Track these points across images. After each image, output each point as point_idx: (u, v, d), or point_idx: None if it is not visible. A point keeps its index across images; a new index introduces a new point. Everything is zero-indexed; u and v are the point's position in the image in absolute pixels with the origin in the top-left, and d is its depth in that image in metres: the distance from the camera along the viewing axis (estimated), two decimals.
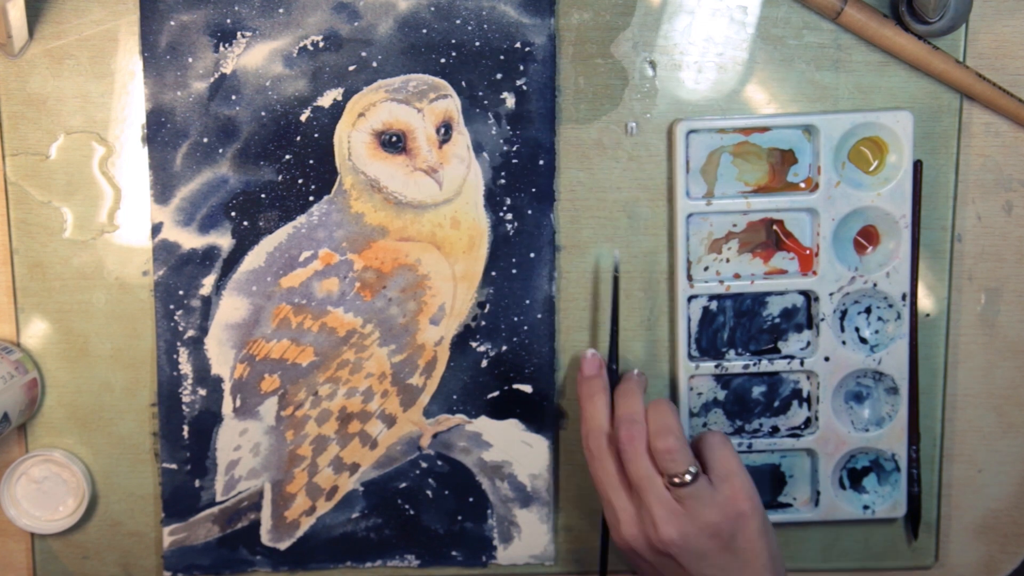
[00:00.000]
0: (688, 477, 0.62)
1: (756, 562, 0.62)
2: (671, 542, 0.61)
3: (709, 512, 0.62)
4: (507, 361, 0.70)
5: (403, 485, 0.71)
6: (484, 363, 0.70)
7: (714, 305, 0.70)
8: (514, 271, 0.70)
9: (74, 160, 0.69)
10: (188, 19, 0.68)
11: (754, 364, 0.70)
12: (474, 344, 0.70)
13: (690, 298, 0.70)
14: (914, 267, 0.70)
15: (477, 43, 0.68)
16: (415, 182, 0.69)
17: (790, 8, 0.69)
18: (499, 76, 0.68)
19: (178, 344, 0.70)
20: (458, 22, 0.68)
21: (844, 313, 0.70)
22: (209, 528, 0.71)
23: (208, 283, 0.69)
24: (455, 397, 0.71)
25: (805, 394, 0.71)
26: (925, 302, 0.72)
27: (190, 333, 0.69)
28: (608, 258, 0.70)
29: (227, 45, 0.68)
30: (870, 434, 0.71)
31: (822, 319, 0.70)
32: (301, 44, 0.68)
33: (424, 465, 0.71)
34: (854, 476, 0.72)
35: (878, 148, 0.69)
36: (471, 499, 0.71)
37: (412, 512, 0.72)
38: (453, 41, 0.68)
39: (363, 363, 0.70)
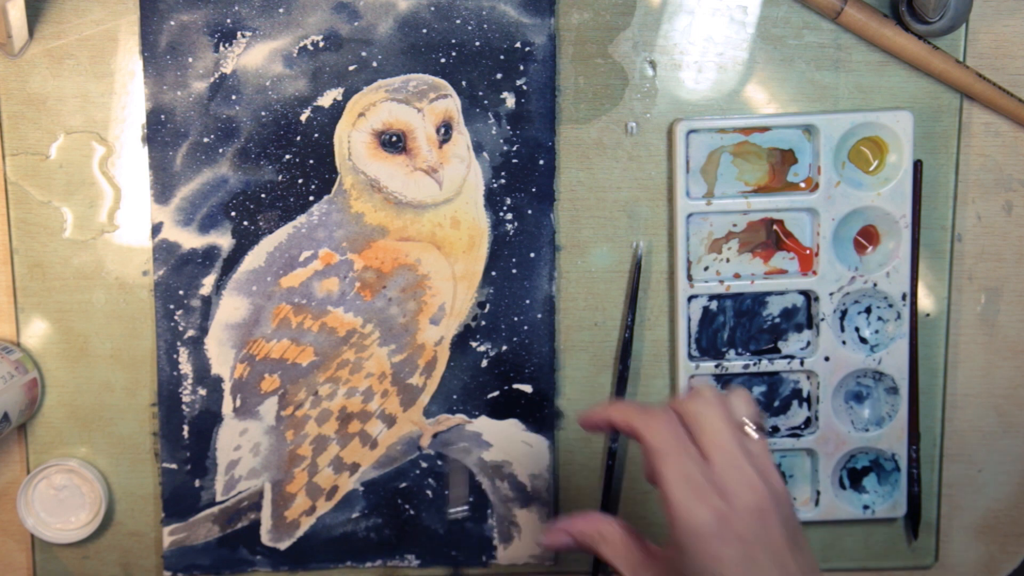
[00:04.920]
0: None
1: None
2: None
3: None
4: (507, 361, 0.70)
5: (403, 485, 0.71)
6: (484, 363, 0.70)
7: (714, 305, 0.70)
8: (514, 271, 0.70)
9: (74, 160, 0.69)
10: (188, 19, 0.68)
11: (754, 364, 0.70)
12: (474, 344, 0.70)
13: (690, 298, 0.70)
14: (914, 267, 0.70)
15: (477, 43, 0.68)
16: (415, 182, 0.69)
17: (790, 8, 0.69)
18: (499, 76, 0.68)
19: (178, 344, 0.70)
20: (458, 22, 0.68)
21: (844, 313, 0.70)
22: (209, 528, 0.71)
23: (208, 283, 0.69)
24: (455, 397, 0.71)
25: (805, 394, 0.71)
26: (925, 302, 0.71)
27: (190, 333, 0.69)
28: (627, 251, 0.70)
29: (227, 45, 0.68)
30: (870, 434, 0.71)
31: (822, 319, 0.70)
32: (301, 44, 0.68)
33: (424, 465, 0.71)
34: (854, 476, 0.72)
35: (878, 148, 0.69)
36: (471, 499, 0.71)
37: (412, 512, 0.72)
38: (453, 41, 0.68)
39: (363, 363, 0.70)
